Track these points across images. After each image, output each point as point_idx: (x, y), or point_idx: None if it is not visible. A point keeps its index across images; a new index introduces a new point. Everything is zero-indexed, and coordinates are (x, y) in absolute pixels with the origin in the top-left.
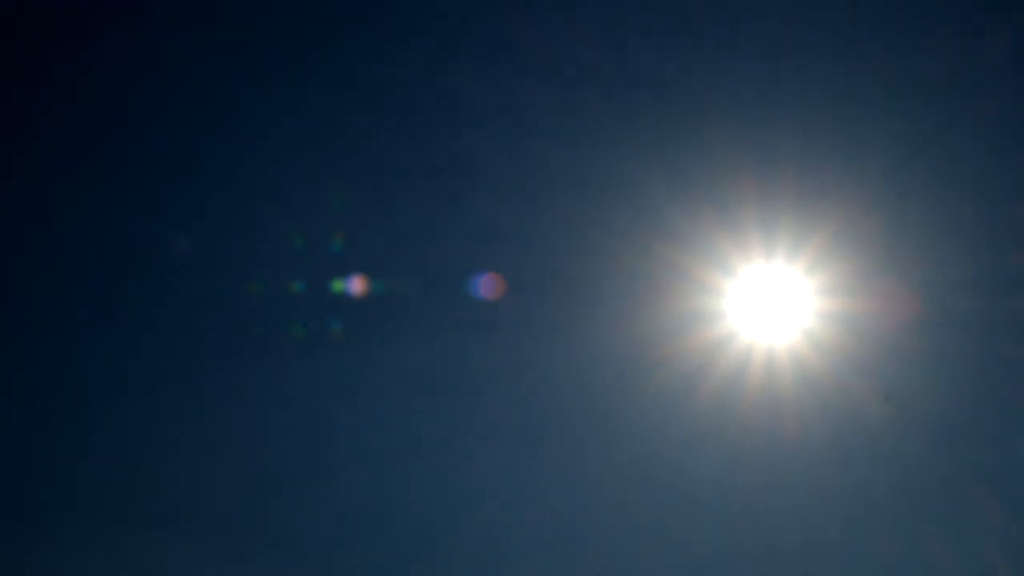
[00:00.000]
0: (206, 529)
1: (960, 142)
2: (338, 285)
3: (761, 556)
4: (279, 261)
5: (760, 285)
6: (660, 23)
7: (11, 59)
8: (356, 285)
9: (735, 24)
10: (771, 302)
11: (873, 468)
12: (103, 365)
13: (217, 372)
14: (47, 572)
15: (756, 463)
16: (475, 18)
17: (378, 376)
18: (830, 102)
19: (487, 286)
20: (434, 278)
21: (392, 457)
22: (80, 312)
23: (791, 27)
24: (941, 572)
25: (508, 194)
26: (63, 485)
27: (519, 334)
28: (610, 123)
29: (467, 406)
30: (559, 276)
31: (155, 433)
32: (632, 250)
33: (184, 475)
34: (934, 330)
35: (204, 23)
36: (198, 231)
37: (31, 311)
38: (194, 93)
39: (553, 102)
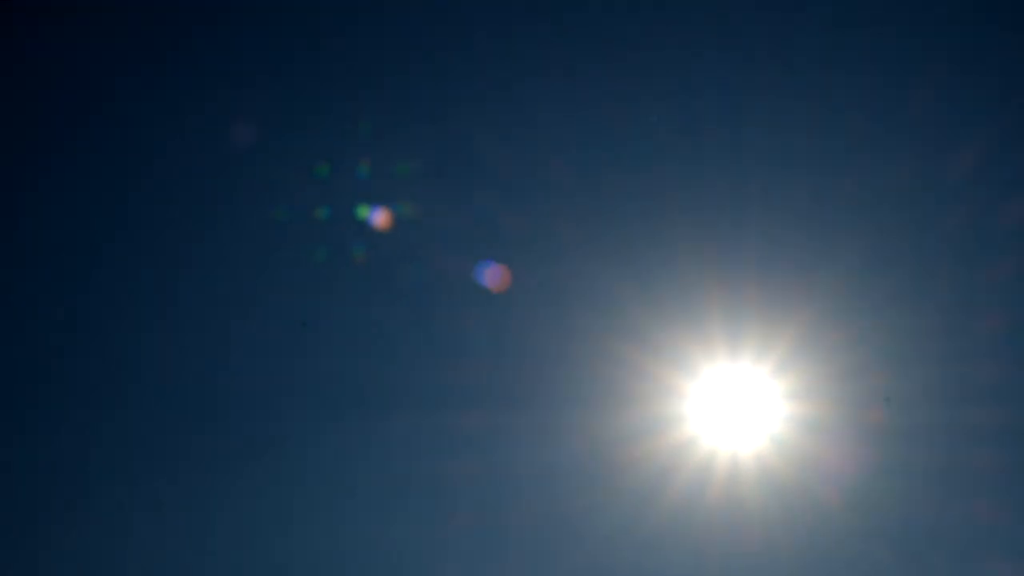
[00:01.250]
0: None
1: (928, 256)
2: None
3: None
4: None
5: (725, 388)
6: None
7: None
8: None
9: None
10: (736, 405)
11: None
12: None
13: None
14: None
15: (719, 569)
16: None
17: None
18: (793, 217)
19: (493, 276)
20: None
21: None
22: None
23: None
24: None
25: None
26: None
27: (485, 440)
28: (574, 230)
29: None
30: (524, 381)
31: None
32: (597, 354)
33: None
34: (899, 439)
35: None
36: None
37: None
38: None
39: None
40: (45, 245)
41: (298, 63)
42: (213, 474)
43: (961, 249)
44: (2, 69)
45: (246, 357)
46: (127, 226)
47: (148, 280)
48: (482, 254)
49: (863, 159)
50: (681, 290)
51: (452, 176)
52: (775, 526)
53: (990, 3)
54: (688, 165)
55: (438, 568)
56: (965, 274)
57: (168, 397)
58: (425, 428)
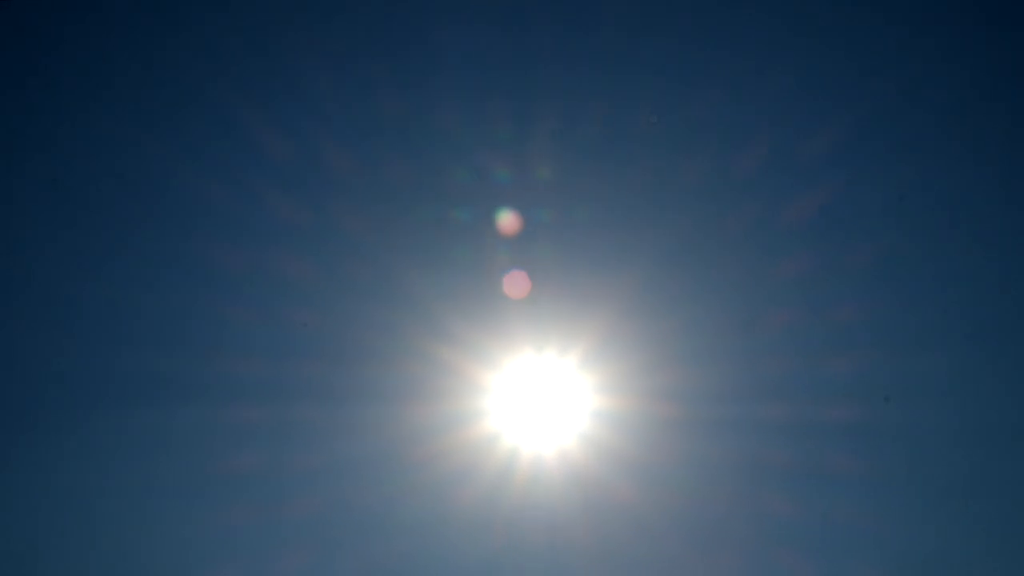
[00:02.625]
0: None
1: (724, 252)
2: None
3: None
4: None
5: (529, 383)
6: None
7: None
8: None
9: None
10: (540, 400)
11: (644, 570)
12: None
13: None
14: None
15: (522, 566)
16: None
17: None
18: (592, 211)
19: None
20: None
21: None
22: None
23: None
24: None
25: None
26: None
27: (281, 434)
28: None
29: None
30: (324, 375)
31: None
32: (398, 348)
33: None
34: (700, 432)
35: None
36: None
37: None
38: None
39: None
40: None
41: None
42: None
43: (755, 245)
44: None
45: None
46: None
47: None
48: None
49: (657, 159)
50: (484, 284)
51: None
52: (578, 521)
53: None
54: (484, 160)
55: (222, 565)
56: (758, 271)
57: None
58: (214, 422)
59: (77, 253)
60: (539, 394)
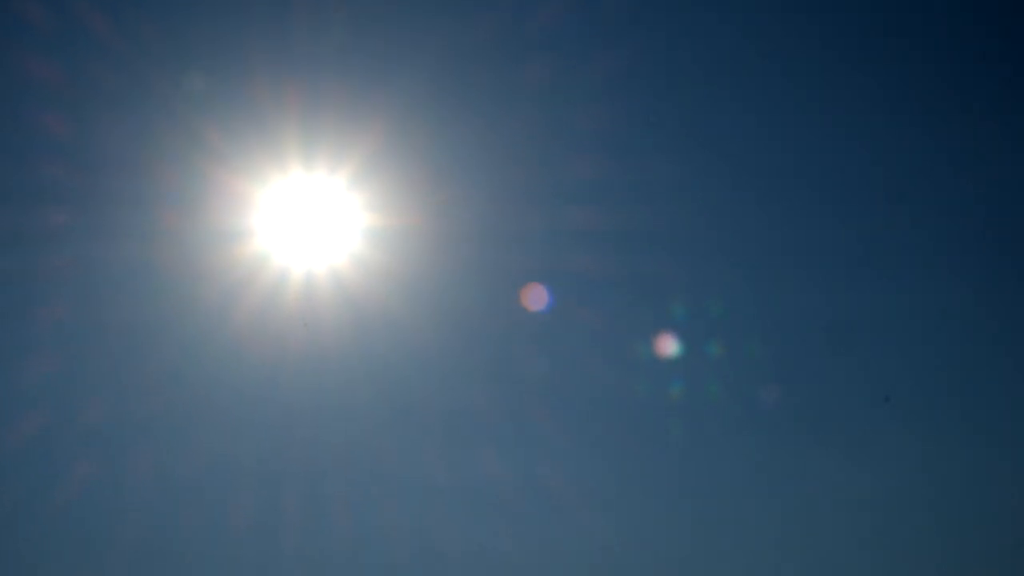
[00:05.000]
0: None
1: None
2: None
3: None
4: None
5: (299, 200)
6: None
7: None
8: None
9: None
10: (311, 217)
11: (420, 388)
12: None
13: None
14: None
15: (295, 384)
16: None
17: None
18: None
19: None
20: None
21: None
22: None
23: None
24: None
25: None
26: None
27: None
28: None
29: None
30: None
31: None
32: (167, 165)
33: None
34: (472, 246)
35: None
36: None
37: None
38: None
39: None
40: None
41: None
42: None
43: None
44: None
45: None
46: None
47: None
48: None
49: None
50: (252, 94)
51: None
52: (348, 339)
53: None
54: None
55: None
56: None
57: None
58: None
59: None
60: (309, 212)
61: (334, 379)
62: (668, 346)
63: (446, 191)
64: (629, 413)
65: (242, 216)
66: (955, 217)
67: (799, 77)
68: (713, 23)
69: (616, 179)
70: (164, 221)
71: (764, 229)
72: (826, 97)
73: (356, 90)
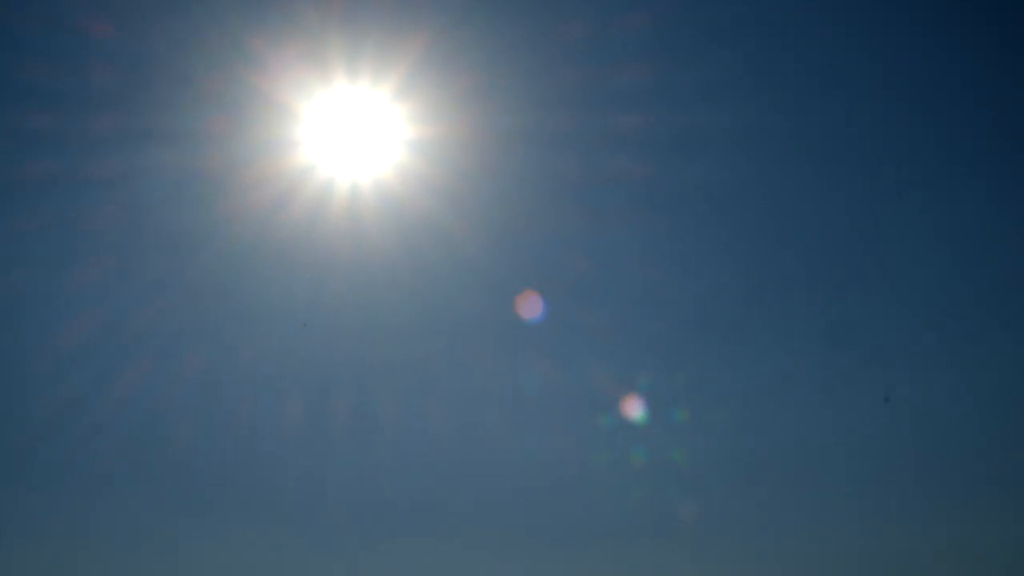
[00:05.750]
0: None
1: None
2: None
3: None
4: None
5: (344, 111)
6: None
7: None
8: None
9: None
10: (356, 129)
11: (457, 296)
12: None
13: None
14: None
15: (341, 288)
16: None
17: None
18: None
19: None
20: None
21: None
22: None
23: None
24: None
25: None
26: None
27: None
28: None
29: None
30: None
31: None
32: (215, 75)
33: None
34: (514, 158)
35: None
36: None
37: None
38: None
39: None
40: None
41: None
42: None
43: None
44: None
45: None
46: None
47: None
48: None
49: None
50: (296, 8)
51: None
52: (396, 250)
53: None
54: None
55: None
56: None
57: None
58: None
59: None
60: (353, 124)
61: (380, 289)
62: None
63: (489, 102)
64: (673, 314)
65: (288, 127)
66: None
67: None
68: None
69: (667, 81)
70: (212, 130)
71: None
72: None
73: (400, 1)
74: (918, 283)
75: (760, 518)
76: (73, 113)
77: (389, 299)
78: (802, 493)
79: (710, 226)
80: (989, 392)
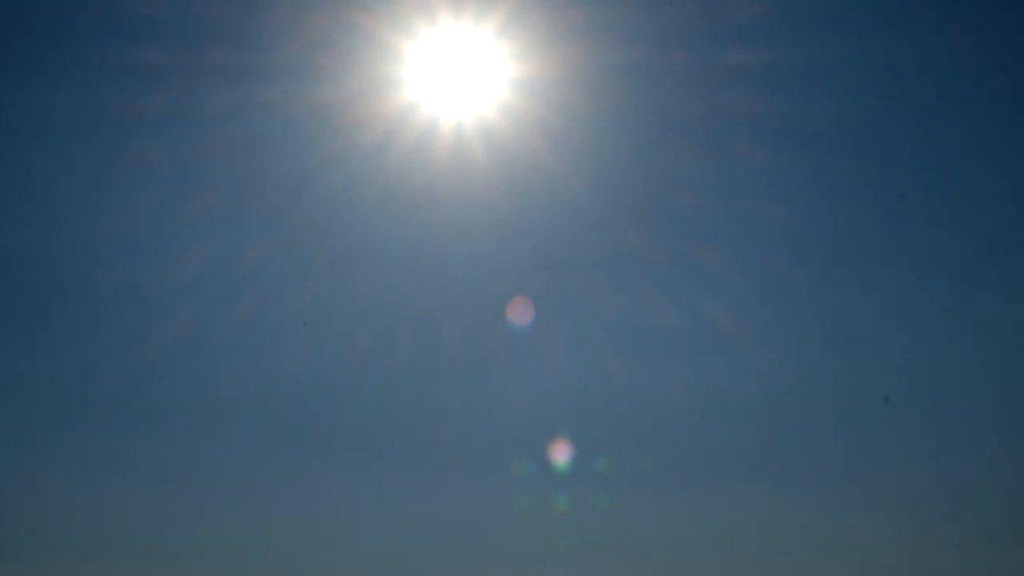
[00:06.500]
0: None
1: None
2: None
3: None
4: None
5: (447, 51)
6: None
7: None
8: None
9: None
10: (459, 68)
11: (558, 236)
12: None
13: None
14: None
15: (441, 228)
16: None
17: None
18: None
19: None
20: None
21: None
22: None
23: None
24: None
25: None
26: None
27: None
28: None
29: None
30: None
31: None
32: (317, 12)
33: None
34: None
35: None
36: None
37: None
38: None
39: None
40: None
41: None
42: None
43: None
44: None
45: None
46: None
47: None
48: None
49: None
50: None
51: None
52: (498, 189)
53: None
54: None
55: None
56: None
57: None
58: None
59: None
60: (457, 63)
61: (485, 229)
62: None
63: (597, 38)
64: (794, 249)
65: (392, 66)
66: None
67: None
68: None
69: (786, 10)
70: (318, 68)
71: None
72: None
73: None
74: None
75: None
76: (184, 48)
77: (493, 238)
78: None
79: (837, 161)
80: None
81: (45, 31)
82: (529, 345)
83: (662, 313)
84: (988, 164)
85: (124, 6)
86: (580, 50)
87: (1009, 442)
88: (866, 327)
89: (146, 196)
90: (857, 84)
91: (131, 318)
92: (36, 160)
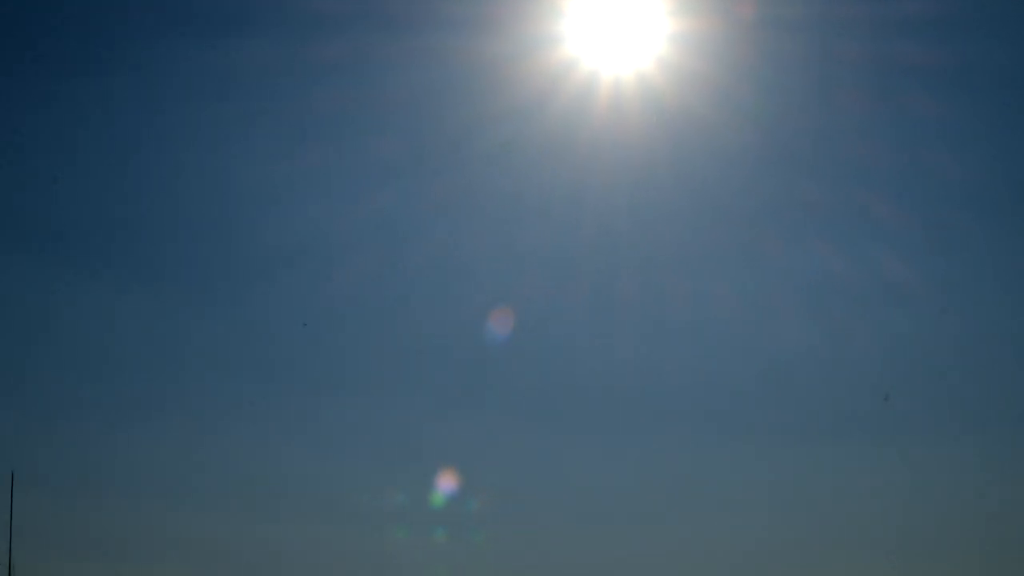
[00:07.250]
0: None
1: None
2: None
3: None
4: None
5: (606, 5)
6: None
7: None
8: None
9: None
10: (618, 23)
11: (718, 188)
12: None
13: None
14: None
15: (603, 184)
16: None
17: None
18: None
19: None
20: None
21: None
22: None
23: None
24: None
25: None
26: None
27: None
28: None
29: None
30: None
31: None
32: None
33: None
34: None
35: None
36: None
37: None
38: None
39: None
40: None
41: None
42: None
43: None
44: None
45: None
46: None
47: None
48: None
49: None
50: None
51: None
52: (658, 145)
53: None
54: None
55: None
56: None
57: None
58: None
59: None
60: (616, 19)
61: (643, 184)
62: None
63: None
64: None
65: (552, 22)
66: None
67: None
68: None
69: None
70: (481, 22)
71: None
72: None
73: None
74: None
75: None
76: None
77: (651, 192)
78: None
79: (1010, 111)
80: None
81: None
82: (696, 297)
83: (837, 264)
84: None
85: None
86: (741, 4)
87: None
88: None
89: (318, 144)
90: None
91: (302, 269)
92: (221, 111)
